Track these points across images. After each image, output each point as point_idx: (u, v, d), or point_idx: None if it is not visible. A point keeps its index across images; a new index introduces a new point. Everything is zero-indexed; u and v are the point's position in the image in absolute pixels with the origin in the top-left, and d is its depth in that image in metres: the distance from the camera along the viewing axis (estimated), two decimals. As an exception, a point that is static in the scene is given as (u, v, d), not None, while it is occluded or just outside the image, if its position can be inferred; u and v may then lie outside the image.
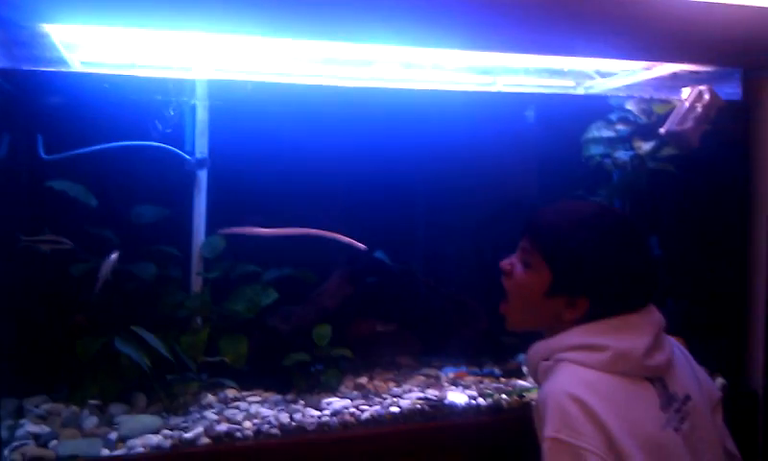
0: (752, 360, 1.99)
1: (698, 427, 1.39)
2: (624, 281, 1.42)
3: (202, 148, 1.89)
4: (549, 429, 1.28)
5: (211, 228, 1.91)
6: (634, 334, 1.39)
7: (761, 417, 1.94)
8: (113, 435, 1.49)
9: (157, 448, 1.46)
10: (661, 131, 1.91)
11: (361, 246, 1.93)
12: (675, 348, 1.52)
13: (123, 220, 1.79)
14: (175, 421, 1.56)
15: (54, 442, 1.45)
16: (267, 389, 1.77)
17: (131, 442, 1.47)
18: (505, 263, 1.54)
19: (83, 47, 1.60)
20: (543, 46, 1.68)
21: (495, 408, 1.74)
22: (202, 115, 1.89)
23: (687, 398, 1.42)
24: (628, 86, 2.02)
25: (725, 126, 1.95)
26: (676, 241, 2.16)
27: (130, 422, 1.53)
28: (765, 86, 1.94)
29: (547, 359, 1.44)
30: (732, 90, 1.95)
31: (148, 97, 1.79)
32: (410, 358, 2.03)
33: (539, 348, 1.48)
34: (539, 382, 1.47)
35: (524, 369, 2.01)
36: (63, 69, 1.60)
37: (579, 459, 1.24)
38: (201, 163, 1.88)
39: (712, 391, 1.55)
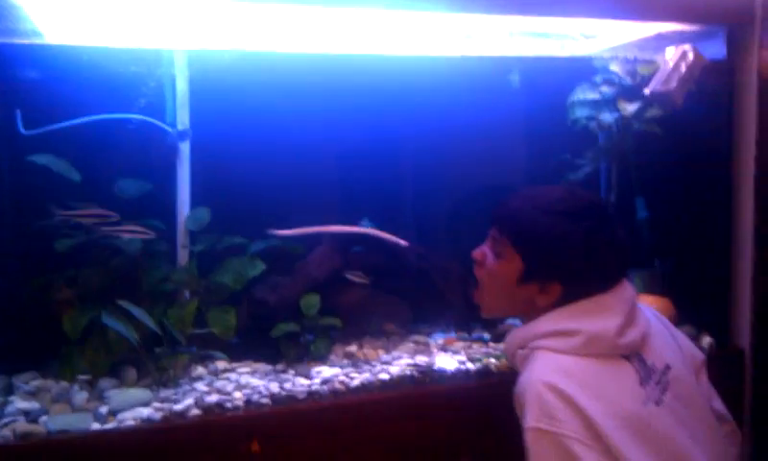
0: (739, 318, 2.01)
1: (682, 396, 1.41)
2: (595, 264, 1.43)
3: (183, 120, 1.87)
4: (529, 419, 1.30)
5: (196, 200, 1.90)
6: (605, 315, 1.41)
7: (749, 374, 1.97)
8: (104, 409, 1.49)
9: (148, 420, 1.46)
10: (646, 91, 1.91)
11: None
12: (652, 318, 1.54)
13: (106, 194, 1.77)
14: (165, 393, 1.57)
15: (44, 417, 1.45)
16: (257, 360, 1.77)
17: (121, 415, 1.47)
18: (477, 253, 1.56)
19: (57, 19, 1.57)
20: (526, 6, 1.67)
21: (484, 372, 1.75)
22: (182, 86, 1.86)
23: (667, 368, 1.44)
24: (612, 48, 2.01)
25: (709, 85, 1.95)
26: (662, 202, 2.17)
27: (120, 395, 1.54)
28: (749, 45, 1.93)
29: (523, 348, 1.46)
30: (716, 49, 1.94)
31: (126, 69, 1.77)
32: (399, 326, 2.04)
33: (514, 336, 1.51)
34: (517, 369, 1.49)
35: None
36: (38, 41, 1.57)
37: (561, 446, 1.26)
38: (182, 135, 1.86)
39: (695, 354, 1.57)
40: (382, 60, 1.94)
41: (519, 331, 1.50)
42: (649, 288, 2.06)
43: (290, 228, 1.90)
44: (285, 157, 2.02)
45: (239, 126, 1.95)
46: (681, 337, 1.58)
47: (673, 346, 1.51)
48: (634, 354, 1.41)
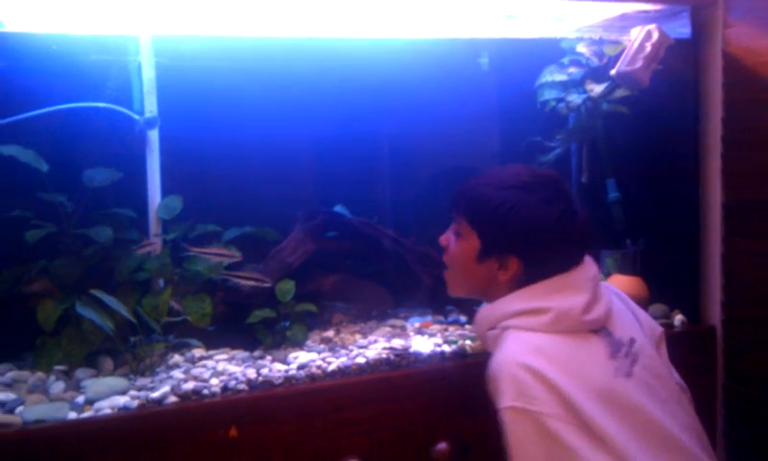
0: (709, 296, 2.05)
1: (648, 366, 1.45)
2: (551, 236, 1.46)
3: (151, 107, 1.85)
4: (505, 399, 1.32)
5: (167, 188, 1.89)
6: (572, 292, 1.44)
7: (720, 350, 2.01)
8: (80, 399, 1.48)
9: (125, 408, 1.45)
10: (612, 72, 1.93)
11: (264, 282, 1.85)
12: (612, 295, 1.59)
13: (75, 184, 1.75)
14: (141, 382, 1.56)
15: (20, 408, 1.44)
16: (234, 347, 1.77)
17: (98, 404, 1.46)
18: (443, 239, 1.62)
19: (19, 6, 1.55)
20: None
21: (460, 354, 1.77)
22: (148, 74, 1.85)
23: (633, 340, 1.48)
24: (579, 29, 2.03)
25: (675, 64, 1.98)
26: (632, 182, 2.20)
27: (96, 385, 1.52)
28: (713, 24, 1.96)
29: (493, 328, 1.49)
30: (681, 29, 1.97)
31: (91, 57, 1.75)
32: (376, 311, 2.05)
33: (484, 315, 1.53)
34: (488, 349, 1.52)
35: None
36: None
37: (538, 424, 1.29)
38: (150, 123, 1.85)
39: (654, 327, 1.62)
40: (352, 45, 1.94)
41: (487, 311, 1.52)
42: (621, 269, 2.09)
43: (263, 214, 1.91)
44: (257, 144, 2.01)
45: (209, 113, 1.94)
46: (639, 312, 1.63)
47: (633, 320, 1.56)
48: (601, 329, 1.45)
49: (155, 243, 1.79)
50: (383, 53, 2.00)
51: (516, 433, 1.31)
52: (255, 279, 1.76)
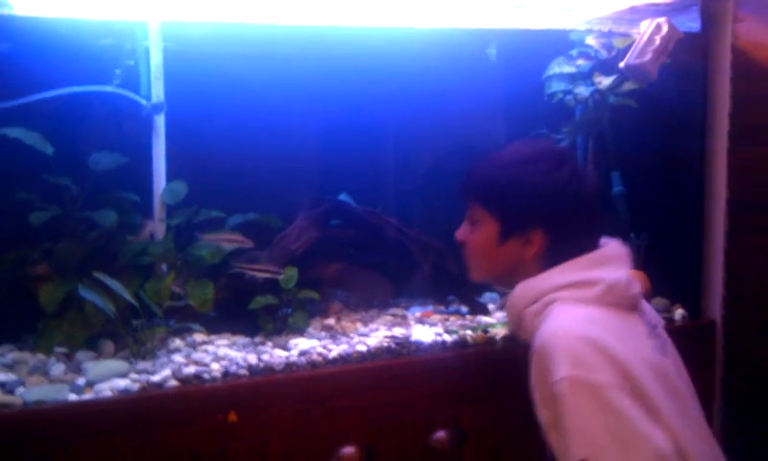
0: (710, 290, 2.04)
1: (672, 352, 1.46)
2: (565, 201, 1.45)
3: (158, 92, 1.85)
4: (562, 370, 1.27)
5: (172, 173, 1.89)
6: (614, 266, 1.43)
7: (720, 344, 2.00)
8: (81, 381, 1.49)
9: (125, 391, 1.46)
10: (621, 65, 1.92)
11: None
12: None
13: (81, 168, 1.76)
14: (142, 365, 1.57)
15: (20, 389, 1.45)
16: (235, 333, 1.78)
17: (98, 387, 1.47)
18: (458, 234, 1.60)
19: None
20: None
21: (461, 343, 1.77)
22: (156, 59, 1.85)
23: (657, 324, 1.50)
24: (588, 21, 2.02)
25: (683, 58, 1.97)
26: (637, 176, 2.19)
27: (97, 367, 1.53)
28: (723, 18, 1.95)
29: (534, 303, 1.44)
30: (690, 22, 1.96)
31: (99, 41, 1.75)
32: (377, 299, 2.05)
33: (522, 292, 1.47)
34: (525, 328, 1.47)
35: (492, 309, 2.04)
36: (7, 12, 1.55)
37: (597, 395, 1.24)
38: (157, 108, 1.85)
39: (658, 318, 1.62)
40: (361, 33, 1.94)
41: (526, 287, 1.47)
42: (624, 262, 2.08)
43: (268, 202, 1.91)
44: (263, 131, 2.01)
45: (216, 99, 1.94)
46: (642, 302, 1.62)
47: (649, 307, 1.57)
48: (636, 308, 1.45)
49: (147, 226, 1.79)
50: (391, 42, 1.99)
51: (574, 404, 1.25)
52: (270, 271, 1.77)
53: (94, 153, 1.79)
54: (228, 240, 1.78)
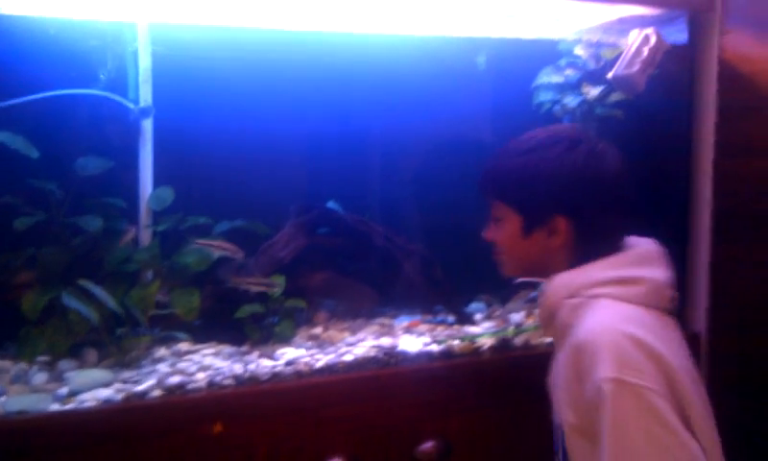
0: (695, 303, 2.04)
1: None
2: (583, 183, 1.35)
3: (146, 96, 1.84)
4: (607, 370, 1.18)
5: (159, 178, 1.87)
6: (656, 265, 1.36)
7: (704, 357, 2.01)
8: (63, 390, 1.47)
9: (108, 401, 1.45)
10: (609, 75, 1.92)
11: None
12: None
13: (67, 172, 1.74)
14: (126, 374, 1.55)
15: (2, 398, 1.43)
16: (221, 342, 1.76)
17: (81, 396, 1.45)
18: (486, 234, 1.51)
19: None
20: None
21: (447, 354, 1.77)
22: (145, 62, 1.83)
23: None
24: (577, 32, 2.03)
25: (671, 69, 1.98)
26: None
27: (80, 377, 1.51)
28: (710, 30, 1.96)
29: (573, 297, 1.34)
30: (678, 34, 1.97)
31: (86, 43, 1.74)
32: (364, 308, 2.04)
33: (559, 284, 1.37)
34: (559, 323, 1.36)
35: (478, 319, 2.04)
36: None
37: (643, 399, 1.16)
38: (145, 112, 1.83)
39: None
40: (351, 40, 1.93)
41: (567, 278, 1.36)
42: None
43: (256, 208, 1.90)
44: (252, 137, 2.00)
45: (205, 103, 1.93)
46: None
47: None
48: (673, 311, 1.37)
49: (129, 232, 1.77)
50: (381, 48, 1.99)
51: (618, 407, 1.16)
52: (264, 285, 1.76)
53: (80, 156, 1.77)
54: (219, 247, 1.76)
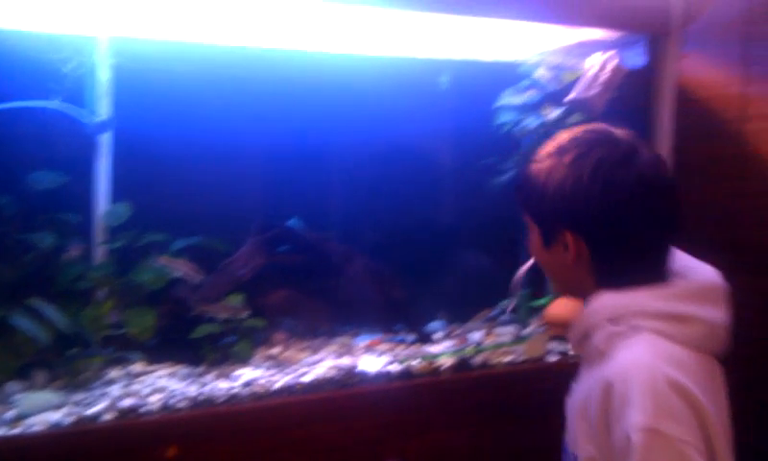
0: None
1: None
2: (587, 196, 1.18)
3: (104, 110, 1.81)
4: (643, 416, 1.04)
5: (117, 194, 1.84)
6: (717, 303, 1.19)
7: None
8: (10, 414, 1.42)
9: (58, 425, 1.40)
10: (569, 98, 1.95)
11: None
12: None
13: (19, 187, 1.69)
14: (77, 397, 1.51)
15: (-56, 423, 1.38)
16: (176, 362, 1.73)
17: (29, 420, 1.41)
18: (528, 242, 1.37)
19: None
20: (450, 6, 1.69)
21: (407, 373, 1.76)
22: (103, 75, 1.80)
23: None
24: (538, 54, 2.05)
25: (629, 92, 2.01)
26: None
27: (28, 399, 1.47)
28: (668, 55, 2.00)
29: (615, 322, 1.17)
30: (636, 58, 2.01)
31: (44, 56, 1.70)
32: (324, 327, 2.02)
33: (600, 306, 1.20)
34: (591, 346, 1.21)
35: (437, 338, 2.03)
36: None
37: (676, 452, 1.02)
38: (103, 126, 1.80)
39: None
40: (314, 58, 1.92)
41: (606, 301, 1.19)
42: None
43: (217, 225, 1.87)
44: (212, 152, 1.97)
45: (165, 118, 1.90)
46: None
47: None
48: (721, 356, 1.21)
49: (73, 249, 1.72)
50: (344, 67, 1.98)
51: (648, 458, 1.02)
52: (232, 310, 1.74)
53: (35, 171, 1.73)
54: (179, 267, 1.72)
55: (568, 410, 1.31)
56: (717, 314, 1.17)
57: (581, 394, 1.23)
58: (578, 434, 1.20)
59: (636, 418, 1.03)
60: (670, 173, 1.23)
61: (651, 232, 1.19)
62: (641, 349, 1.12)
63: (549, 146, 1.26)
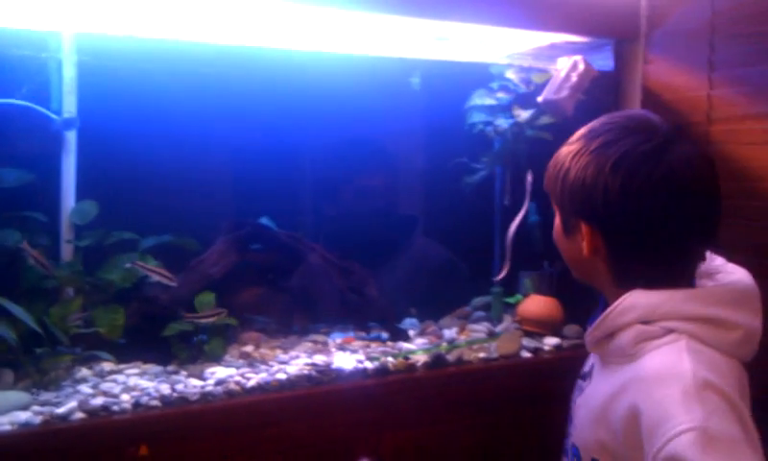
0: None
1: None
2: (598, 189, 1.12)
3: (70, 107, 1.77)
4: (690, 418, 0.97)
5: (84, 192, 1.80)
6: (752, 309, 1.14)
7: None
8: (-24, 414, 1.39)
9: (26, 424, 1.37)
10: (538, 99, 1.98)
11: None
12: None
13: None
14: (46, 396, 1.47)
15: None
16: (147, 361, 1.70)
17: (-5, 421, 1.37)
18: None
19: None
20: (421, 9, 1.70)
21: (382, 370, 1.76)
22: (69, 72, 1.77)
23: None
24: (509, 56, 2.08)
25: (597, 95, 2.05)
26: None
27: (-6, 399, 1.43)
28: (634, 59, 2.04)
29: (648, 322, 1.11)
30: (604, 61, 2.05)
31: (7, 51, 1.66)
32: (297, 325, 2.01)
33: (632, 304, 1.12)
34: (615, 348, 1.15)
35: (412, 335, 2.04)
36: None
37: (736, 452, 0.96)
38: (68, 124, 1.77)
39: None
40: (284, 55, 1.92)
41: (642, 299, 1.12)
42: (538, 289, 2.13)
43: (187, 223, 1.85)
44: (181, 149, 1.96)
45: (133, 115, 1.87)
46: None
47: None
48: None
49: (30, 252, 1.65)
50: (315, 66, 1.98)
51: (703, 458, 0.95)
52: (215, 314, 1.72)
53: (-1, 168, 1.69)
54: (156, 272, 1.71)
55: (578, 409, 1.26)
56: (754, 320, 1.13)
57: (599, 398, 1.17)
58: (591, 439, 1.16)
59: (683, 422, 0.97)
60: (710, 173, 1.14)
61: (676, 236, 1.12)
62: (680, 355, 1.06)
63: (585, 128, 1.21)
